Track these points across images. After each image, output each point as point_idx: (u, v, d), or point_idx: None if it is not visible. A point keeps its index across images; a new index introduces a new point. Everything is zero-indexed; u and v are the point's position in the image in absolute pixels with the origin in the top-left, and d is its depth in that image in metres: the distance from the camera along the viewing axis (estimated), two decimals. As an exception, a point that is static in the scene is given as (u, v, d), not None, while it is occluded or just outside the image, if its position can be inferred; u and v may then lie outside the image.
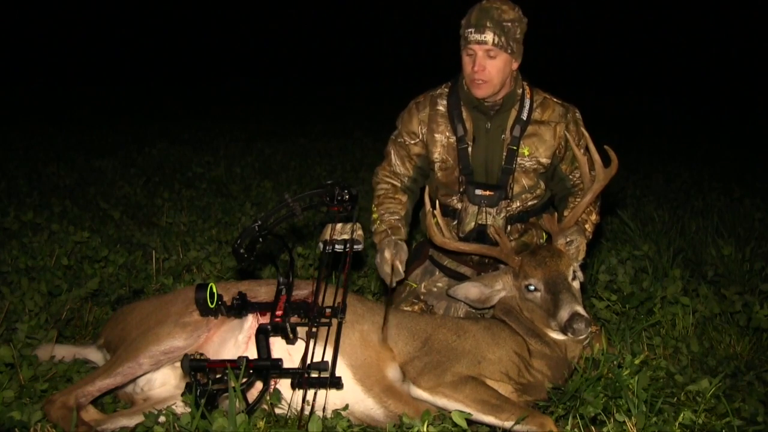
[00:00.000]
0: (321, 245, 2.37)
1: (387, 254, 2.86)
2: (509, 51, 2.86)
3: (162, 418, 2.11)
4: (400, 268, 2.84)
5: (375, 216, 3.11)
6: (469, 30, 2.84)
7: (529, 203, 3.10)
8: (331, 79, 18.81)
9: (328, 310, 2.21)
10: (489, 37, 2.81)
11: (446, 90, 3.11)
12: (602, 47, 21.83)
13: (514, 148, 2.99)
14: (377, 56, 21.97)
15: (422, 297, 3.13)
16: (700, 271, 3.85)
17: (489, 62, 2.85)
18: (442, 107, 3.07)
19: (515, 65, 2.95)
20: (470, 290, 2.64)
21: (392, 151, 3.18)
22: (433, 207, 2.84)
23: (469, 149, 3.03)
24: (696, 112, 14.11)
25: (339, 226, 2.40)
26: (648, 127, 11.93)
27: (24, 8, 21.69)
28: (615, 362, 2.41)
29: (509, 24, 2.83)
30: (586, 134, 2.92)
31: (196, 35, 24.06)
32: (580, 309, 2.38)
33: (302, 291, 2.43)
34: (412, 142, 3.12)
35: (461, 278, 3.06)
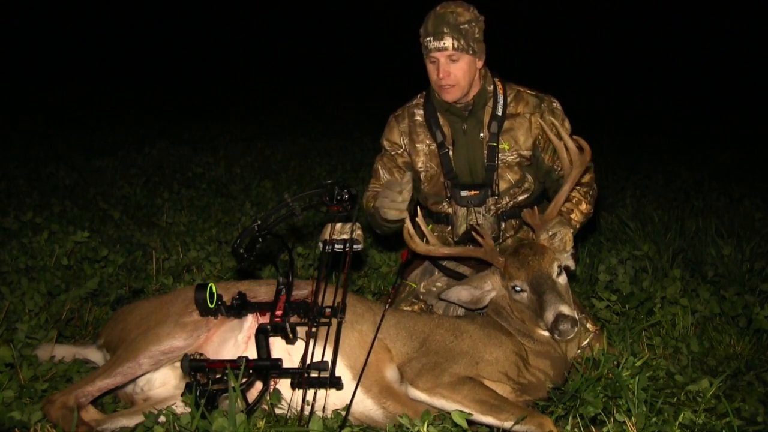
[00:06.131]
0: (321, 245, 2.37)
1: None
2: (470, 52, 2.89)
3: (162, 418, 2.11)
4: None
5: (370, 204, 3.07)
6: (428, 39, 2.88)
7: (520, 198, 3.09)
8: (331, 78, 18.80)
9: (327, 310, 2.21)
10: (448, 42, 2.84)
11: (421, 100, 3.16)
12: (602, 47, 21.83)
13: (494, 144, 3.01)
14: (377, 56, 21.96)
15: (422, 297, 3.13)
16: (700, 271, 3.85)
17: (453, 66, 2.89)
18: (419, 117, 3.13)
19: (480, 64, 2.99)
20: (461, 293, 2.62)
21: (379, 167, 3.21)
22: (415, 215, 2.75)
23: (450, 153, 3.06)
24: (695, 112, 14.10)
25: (339, 225, 2.40)
26: (648, 127, 11.92)
27: (24, 8, 21.70)
28: (615, 362, 2.41)
29: (466, 26, 2.86)
30: (558, 124, 2.86)
31: (196, 35, 24.07)
32: (564, 309, 2.34)
33: (302, 291, 2.43)
34: (398, 152, 3.17)
35: (460, 278, 3.05)
